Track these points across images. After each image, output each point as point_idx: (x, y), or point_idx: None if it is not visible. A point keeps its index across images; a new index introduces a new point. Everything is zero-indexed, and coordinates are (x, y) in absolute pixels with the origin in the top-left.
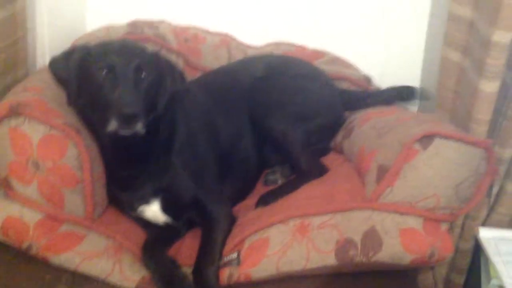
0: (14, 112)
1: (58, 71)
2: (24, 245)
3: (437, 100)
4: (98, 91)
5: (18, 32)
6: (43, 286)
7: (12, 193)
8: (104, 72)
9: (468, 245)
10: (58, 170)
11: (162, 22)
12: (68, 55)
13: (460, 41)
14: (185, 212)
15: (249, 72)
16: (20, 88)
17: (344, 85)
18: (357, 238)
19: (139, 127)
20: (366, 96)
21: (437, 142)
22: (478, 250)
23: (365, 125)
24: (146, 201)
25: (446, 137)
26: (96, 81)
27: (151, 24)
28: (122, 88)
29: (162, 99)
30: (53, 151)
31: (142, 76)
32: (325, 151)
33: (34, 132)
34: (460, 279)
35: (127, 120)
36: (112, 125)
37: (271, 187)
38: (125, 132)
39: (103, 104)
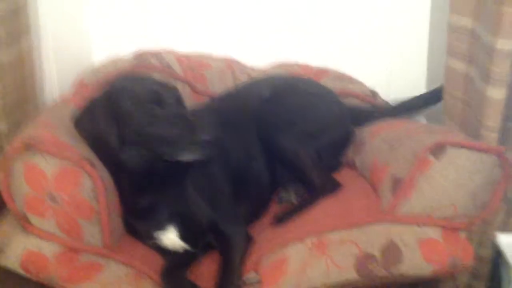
0: (28, 147)
1: (86, 128)
2: (44, 278)
3: (444, 110)
4: (158, 126)
5: (26, 71)
6: None
7: (29, 227)
8: (155, 106)
9: (487, 252)
10: (74, 202)
11: (166, 51)
12: (91, 109)
13: (463, 51)
14: (202, 236)
15: (256, 94)
16: (32, 124)
17: (351, 101)
18: (377, 252)
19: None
20: (373, 111)
21: (450, 151)
22: (497, 256)
23: (376, 139)
24: (163, 228)
25: (459, 146)
26: (151, 118)
27: (156, 54)
28: (192, 117)
29: None
30: (68, 184)
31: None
32: (336, 166)
33: (48, 166)
34: (482, 286)
35: (207, 145)
36: (190, 153)
37: (285, 205)
38: (204, 154)
39: (166, 137)
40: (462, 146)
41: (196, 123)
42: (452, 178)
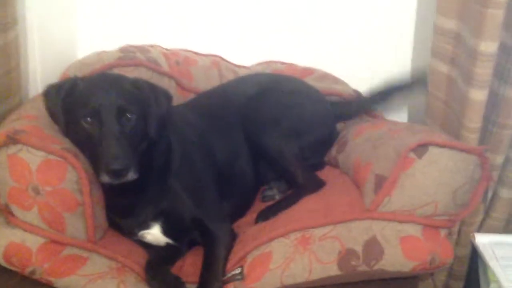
0: (11, 139)
1: (49, 103)
2: (28, 270)
3: (426, 111)
4: (84, 137)
5: (11, 62)
6: None
7: (13, 219)
8: (88, 120)
9: (465, 251)
10: (58, 195)
11: (153, 46)
12: (58, 87)
13: (447, 52)
14: (186, 233)
15: (241, 92)
16: (15, 116)
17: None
18: (359, 248)
19: (131, 176)
20: (354, 103)
21: (431, 150)
22: (475, 256)
23: (359, 138)
24: (146, 226)
25: (440, 145)
26: (81, 127)
27: (142, 48)
28: (107, 141)
29: (151, 125)
30: (52, 176)
31: (127, 117)
32: (320, 165)
33: (32, 158)
34: (459, 285)
35: (117, 174)
36: (104, 178)
37: (269, 203)
38: (117, 182)
39: (92, 152)
40: (444, 146)
41: (112, 151)
42: (433, 177)
